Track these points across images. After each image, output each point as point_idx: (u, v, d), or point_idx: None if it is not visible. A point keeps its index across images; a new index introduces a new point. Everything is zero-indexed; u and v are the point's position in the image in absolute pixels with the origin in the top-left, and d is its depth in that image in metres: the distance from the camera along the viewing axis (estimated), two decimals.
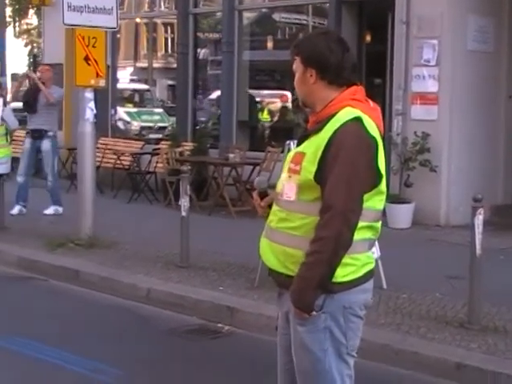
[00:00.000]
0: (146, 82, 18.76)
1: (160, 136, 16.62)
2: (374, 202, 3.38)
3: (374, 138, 3.31)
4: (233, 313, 7.28)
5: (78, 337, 6.82)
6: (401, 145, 11.30)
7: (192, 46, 14.72)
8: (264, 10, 14.59)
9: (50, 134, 12.33)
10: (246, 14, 14.48)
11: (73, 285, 8.62)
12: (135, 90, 19.92)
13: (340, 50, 3.40)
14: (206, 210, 12.31)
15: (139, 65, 17.92)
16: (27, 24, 43.25)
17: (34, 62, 19.85)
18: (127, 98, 19.55)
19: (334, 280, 3.30)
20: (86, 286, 8.50)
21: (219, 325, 7.21)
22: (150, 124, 18.48)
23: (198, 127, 15.09)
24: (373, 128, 3.33)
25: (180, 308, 7.65)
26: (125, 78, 18.50)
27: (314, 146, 3.33)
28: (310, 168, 3.31)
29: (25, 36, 44.57)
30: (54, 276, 8.88)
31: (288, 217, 3.41)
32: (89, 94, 9.89)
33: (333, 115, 3.35)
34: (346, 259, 3.30)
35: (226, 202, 12.19)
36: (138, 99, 19.98)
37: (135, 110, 19.12)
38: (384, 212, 11.24)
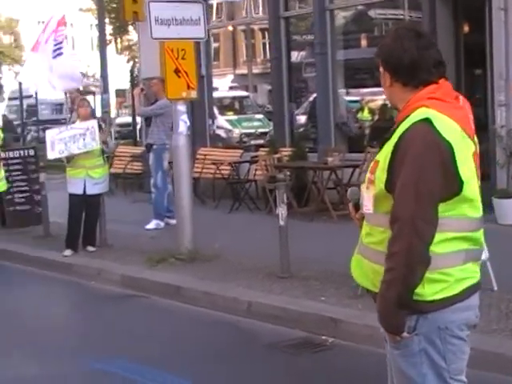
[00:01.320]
0: (246, 89, 18.64)
1: (262, 142, 16.49)
2: (462, 209, 3.07)
3: (446, 140, 3.01)
4: (337, 324, 7.03)
5: (178, 356, 6.69)
6: (506, 137, 10.79)
7: (285, 50, 14.52)
8: (356, 7, 14.25)
9: (155, 147, 12.36)
10: (339, 13, 14.19)
11: (174, 301, 8.53)
12: (234, 98, 19.88)
13: (415, 48, 3.14)
14: (307, 216, 12.08)
15: (239, 72, 17.85)
16: (128, 40, 44.06)
17: (132, 77, 20.04)
18: (227, 106, 19.53)
19: (422, 299, 3.03)
20: (188, 302, 8.40)
21: (323, 337, 6.97)
22: (251, 130, 18.36)
23: (295, 132, 14.87)
24: (449, 129, 3.03)
25: (282, 320, 7.45)
26: (225, 86, 18.49)
27: (384, 153, 3.12)
28: (381, 177, 3.09)
29: (126, 52, 45.44)
30: (156, 292, 8.82)
31: (371, 231, 3.20)
32: (181, 107, 9.82)
33: (406, 118, 3.11)
34: (433, 275, 3.03)
35: (327, 206, 11.92)
36: (238, 106, 19.93)
37: (235, 117, 19.06)
38: (492, 208, 10.78)
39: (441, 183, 2.99)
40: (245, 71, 17.15)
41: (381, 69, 3.27)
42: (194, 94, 9.81)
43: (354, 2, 13.99)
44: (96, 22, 29.41)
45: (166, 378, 6.11)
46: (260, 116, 18.52)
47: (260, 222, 12.21)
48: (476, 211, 3.12)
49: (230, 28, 17.10)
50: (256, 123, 18.50)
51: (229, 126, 18.28)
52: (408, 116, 3.10)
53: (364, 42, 14.27)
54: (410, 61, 3.13)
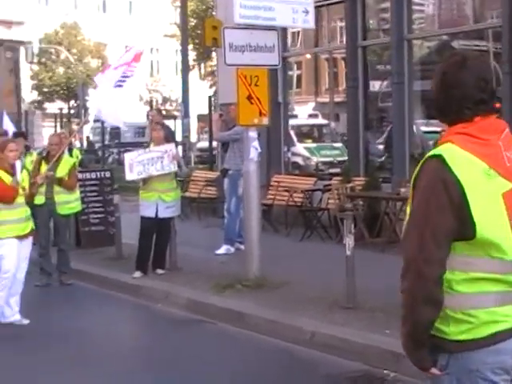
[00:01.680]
0: (327, 117, 18.56)
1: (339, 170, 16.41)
2: (488, 250, 2.93)
3: (457, 179, 2.88)
4: (399, 359, 6.86)
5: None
6: None
7: (362, 79, 14.45)
8: (435, 37, 14.10)
9: (230, 172, 12.42)
10: (418, 43, 14.07)
11: (239, 328, 8.51)
12: (314, 125, 19.85)
13: (448, 85, 3.02)
14: (378, 246, 11.94)
15: (320, 100, 17.82)
16: (211, 66, 44.62)
17: (209, 102, 20.27)
18: (306, 134, 19.51)
19: (448, 337, 2.95)
20: (252, 329, 8.37)
21: (385, 371, 6.84)
22: (329, 159, 18.27)
23: (370, 161, 14.76)
24: (465, 167, 2.89)
25: (344, 352, 7.34)
26: (306, 114, 18.49)
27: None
28: (407, 211, 3.05)
29: (209, 78, 46.01)
30: (221, 319, 8.82)
31: None
32: (252, 133, 9.85)
33: None
34: (457, 314, 2.94)
35: (399, 237, 11.75)
36: (317, 134, 19.89)
37: (314, 145, 19.01)
38: None
39: (450, 222, 2.88)
40: (326, 99, 17.09)
41: None
42: (265, 121, 9.82)
43: (432, 33, 13.86)
44: (180, 47, 29.94)
45: None
46: (339, 145, 18.44)
47: (330, 251, 12.10)
48: (505, 254, 2.95)
49: (308, 56, 17.11)
50: (334, 152, 18.40)
51: (307, 154, 18.24)
52: None
53: None
54: (439, 98, 3.07)
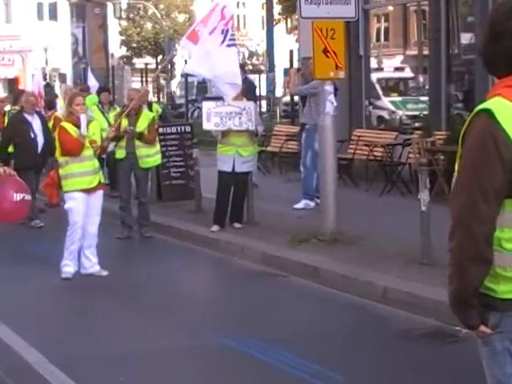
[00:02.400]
0: (416, 70, 18.22)
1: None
2: None
3: (507, 135, 2.79)
4: None
5: (308, 338, 6.70)
6: None
7: (444, 31, 14.10)
8: None
9: (307, 126, 12.38)
10: None
11: (312, 282, 8.54)
12: (400, 79, 19.53)
13: (495, 36, 2.92)
14: None
15: (409, 52, 17.49)
16: (297, 20, 44.21)
17: (291, 56, 20.15)
18: (392, 87, 19.23)
19: (497, 296, 2.90)
20: (325, 284, 8.39)
21: (457, 328, 6.76)
22: (416, 113, 17.98)
23: (452, 114, 14.45)
24: None
25: (417, 308, 7.30)
26: (392, 67, 18.20)
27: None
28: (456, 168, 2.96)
29: (296, 32, 45.66)
30: (295, 272, 8.86)
31: None
32: (328, 87, 9.77)
33: None
34: (507, 273, 2.88)
35: None
36: (403, 88, 19.58)
37: (400, 98, 18.73)
38: None
39: (501, 179, 2.81)
40: (415, 52, 16.74)
41: None
42: (341, 75, 9.71)
43: None
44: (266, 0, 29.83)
45: (293, 360, 6.11)
46: (425, 98, 18.12)
47: (409, 206, 11.88)
48: None
49: (391, 8, 16.79)
50: (421, 105, 18.09)
51: (392, 107, 17.99)
52: None
53: None
54: (493, 52, 2.94)
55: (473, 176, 2.84)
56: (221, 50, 10.59)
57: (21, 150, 11.60)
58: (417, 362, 6.24)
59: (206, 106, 11.11)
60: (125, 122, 10.89)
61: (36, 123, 11.79)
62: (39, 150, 11.69)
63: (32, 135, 11.65)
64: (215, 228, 10.76)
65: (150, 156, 11.22)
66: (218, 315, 7.61)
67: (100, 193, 9.08)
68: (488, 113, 2.84)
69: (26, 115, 11.78)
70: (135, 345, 6.60)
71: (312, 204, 12.19)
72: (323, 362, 6.03)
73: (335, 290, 8.14)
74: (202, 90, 35.34)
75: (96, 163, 9.03)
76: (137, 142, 10.95)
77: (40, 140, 11.70)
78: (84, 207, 8.83)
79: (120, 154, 11.01)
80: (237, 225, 10.90)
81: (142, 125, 10.98)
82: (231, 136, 10.81)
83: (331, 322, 7.22)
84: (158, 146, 11.55)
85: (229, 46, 10.68)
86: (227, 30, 10.69)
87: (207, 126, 10.92)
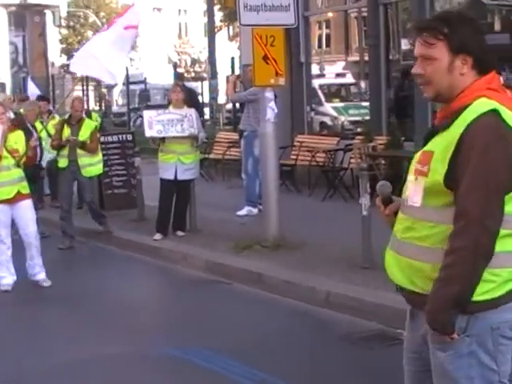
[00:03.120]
0: (358, 76, 18.38)
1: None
2: None
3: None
4: None
5: (252, 345, 6.68)
6: None
7: (383, 37, 14.27)
8: None
9: (245, 133, 12.40)
10: None
11: (256, 288, 8.54)
12: (342, 85, 19.68)
13: (484, 35, 3.05)
14: None
15: (350, 58, 17.63)
16: (238, 27, 44.33)
17: (232, 63, 20.18)
18: (334, 93, 19.36)
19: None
20: (268, 290, 8.40)
21: (398, 331, 6.82)
22: (357, 118, 18.14)
23: (392, 120, 14.62)
24: None
25: (359, 312, 7.35)
26: (333, 73, 18.32)
27: (443, 144, 2.94)
28: (439, 169, 2.93)
29: (237, 39, 45.78)
30: (238, 279, 8.85)
31: (414, 225, 3.05)
32: (269, 94, 9.79)
33: (465, 107, 2.94)
34: (484, 274, 2.91)
35: None
36: (345, 93, 19.73)
37: (342, 104, 18.87)
38: None
39: (509, 179, 2.88)
40: (357, 58, 16.88)
41: (440, 51, 2.99)
42: (282, 81, 9.74)
43: None
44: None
45: (239, 368, 6.11)
46: (367, 103, 18.29)
47: (351, 211, 11.98)
48: None
49: (331, 14, 16.93)
50: (362, 111, 18.25)
51: (334, 113, 18.12)
52: (468, 105, 2.95)
53: None
54: (487, 47, 3.03)
55: (492, 174, 2.87)
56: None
57: None
58: (360, 365, 6.28)
59: (147, 114, 11.05)
60: (67, 131, 10.84)
61: None
62: None
63: None
64: (158, 236, 10.70)
65: (93, 165, 11.15)
66: (161, 324, 7.57)
67: (25, 203, 8.78)
68: (495, 113, 2.90)
69: None
70: (79, 355, 6.51)
71: (255, 211, 12.20)
72: (268, 368, 6.03)
73: (279, 296, 8.15)
74: (144, 98, 35.16)
75: (16, 173, 8.71)
76: (79, 151, 10.87)
77: None
78: (7, 219, 8.66)
79: (62, 162, 10.93)
80: (180, 233, 10.85)
81: (84, 134, 10.91)
82: (172, 144, 10.77)
83: (275, 328, 7.21)
84: (100, 155, 11.47)
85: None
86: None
87: (150, 133, 10.86)
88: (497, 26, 13.27)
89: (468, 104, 2.95)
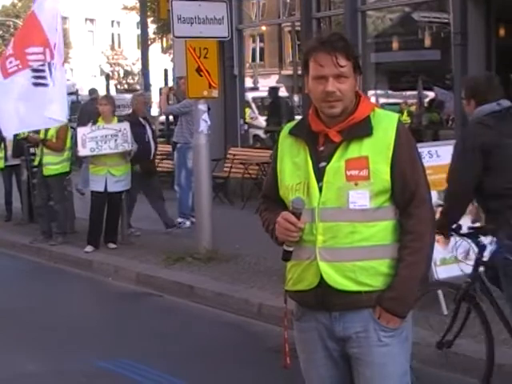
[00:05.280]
0: (291, 89, 18.46)
1: None
2: None
3: None
4: None
5: (184, 357, 6.66)
6: None
7: None
8: (389, 8, 14.05)
9: (179, 145, 12.36)
10: (371, 14, 14.03)
11: (187, 300, 8.51)
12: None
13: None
14: None
15: (284, 72, 17.71)
16: (171, 39, 44.17)
17: (165, 75, 20.11)
18: (267, 107, 19.40)
19: None
20: (200, 302, 8.38)
21: None
22: None
23: None
24: None
25: (291, 324, 7.34)
26: (266, 87, 18.38)
27: (377, 148, 3.19)
28: (382, 169, 3.18)
29: (171, 51, 45.64)
30: (170, 292, 8.81)
31: (356, 229, 3.18)
32: (202, 106, 9.77)
33: (369, 116, 3.25)
34: None
35: None
36: None
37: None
38: None
39: None
40: (290, 72, 16.96)
41: (349, 70, 3.25)
42: (215, 94, 9.74)
43: (386, 4, 13.81)
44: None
45: (167, 379, 6.07)
46: (300, 117, 18.35)
47: None
48: None
49: (264, 28, 17.02)
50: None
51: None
52: (369, 115, 3.32)
53: (395, 45, 14.09)
54: None
55: (423, 166, 3.36)
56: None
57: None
58: (291, 376, 6.26)
59: (81, 131, 10.86)
60: (42, 130, 10.90)
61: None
62: None
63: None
64: (89, 248, 10.59)
65: (54, 164, 11.04)
66: (91, 337, 7.45)
67: None
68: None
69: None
70: (5, 373, 6.37)
71: (187, 223, 12.16)
72: (199, 380, 6.01)
73: (211, 308, 8.14)
74: (76, 109, 34.76)
75: None
76: (45, 150, 10.98)
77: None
78: None
79: (36, 161, 11.31)
80: (111, 245, 10.75)
81: (50, 132, 10.92)
82: (102, 156, 10.67)
83: (207, 340, 7.18)
84: (66, 154, 11.20)
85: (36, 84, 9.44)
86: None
87: (83, 152, 10.71)
88: (427, 42, 13.48)
89: (369, 114, 3.25)
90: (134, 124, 11.18)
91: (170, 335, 7.35)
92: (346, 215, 3.18)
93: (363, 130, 3.22)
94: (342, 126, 3.24)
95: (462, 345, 5.62)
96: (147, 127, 11.66)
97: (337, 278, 3.22)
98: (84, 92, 34.98)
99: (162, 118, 33.92)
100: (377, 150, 3.18)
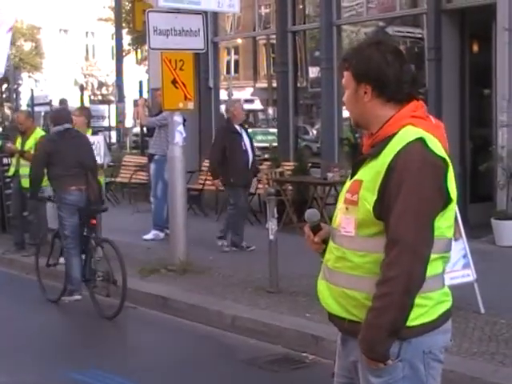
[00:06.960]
0: (266, 102, 18.50)
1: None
2: (442, 229, 2.97)
3: (442, 158, 2.94)
4: (318, 341, 6.94)
5: (156, 369, 6.63)
6: (506, 158, 10.66)
7: (291, 65, 14.47)
8: (364, 23, 14.16)
9: (156, 157, 12.33)
10: (346, 28, 14.13)
11: (161, 312, 8.48)
12: (250, 111, 19.77)
13: (398, 62, 3.02)
14: None
15: (259, 85, 17.76)
16: (147, 51, 44.12)
17: (140, 87, 20.11)
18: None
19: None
20: (174, 314, 8.35)
21: (303, 354, 6.89)
22: (265, 144, 18.25)
23: (299, 146, 14.81)
24: (439, 148, 2.95)
25: (265, 336, 7.38)
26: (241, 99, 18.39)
27: (372, 173, 2.95)
28: (368, 198, 2.93)
29: (146, 63, 45.57)
30: (144, 303, 8.77)
31: (345, 255, 3.01)
32: (177, 118, 9.78)
33: (391, 136, 2.97)
34: (416, 299, 2.92)
35: (327, 222, 11.81)
36: (253, 119, 19.83)
37: (250, 130, 18.93)
38: (491, 228, 10.59)
39: (440, 204, 2.93)
40: (265, 85, 17.03)
41: (348, 80, 3.09)
42: (190, 106, 9.76)
43: (361, 19, 13.92)
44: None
45: None
46: (275, 130, 18.41)
47: (258, 235, 12.09)
48: (451, 231, 3.05)
49: (240, 41, 17.07)
50: (270, 137, 18.39)
51: None
52: (393, 135, 2.97)
53: None
54: (394, 74, 3.01)
55: (419, 201, 2.88)
56: None
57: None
58: None
59: None
60: (18, 141, 11.17)
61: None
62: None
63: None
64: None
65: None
66: (64, 349, 7.40)
67: None
68: (421, 141, 2.93)
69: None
70: None
71: (162, 235, 12.13)
72: None
73: (185, 320, 8.11)
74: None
75: None
76: (22, 161, 11.02)
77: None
78: None
79: (11, 171, 11.37)
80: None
81: (29, 143, 11.01)
82: None
83: (181, 352, 7.17)
84: None
85: None
86: None
87: None
88: None
89: (395, 132, 2.97)
90: (229, 132, 11.03)
91: (144, 347, 7.33)
92: (338, 239, 3.06)
93: (374, 150, 3.00)
94: (366, 142, 3.11)
95: None
96: (243, 134, 11.32)
97: (329, 301, 3.10)
98: (57, 103, 34.90)
99: (136, 129, 34.01)
100: (371, 175, 2.95)
